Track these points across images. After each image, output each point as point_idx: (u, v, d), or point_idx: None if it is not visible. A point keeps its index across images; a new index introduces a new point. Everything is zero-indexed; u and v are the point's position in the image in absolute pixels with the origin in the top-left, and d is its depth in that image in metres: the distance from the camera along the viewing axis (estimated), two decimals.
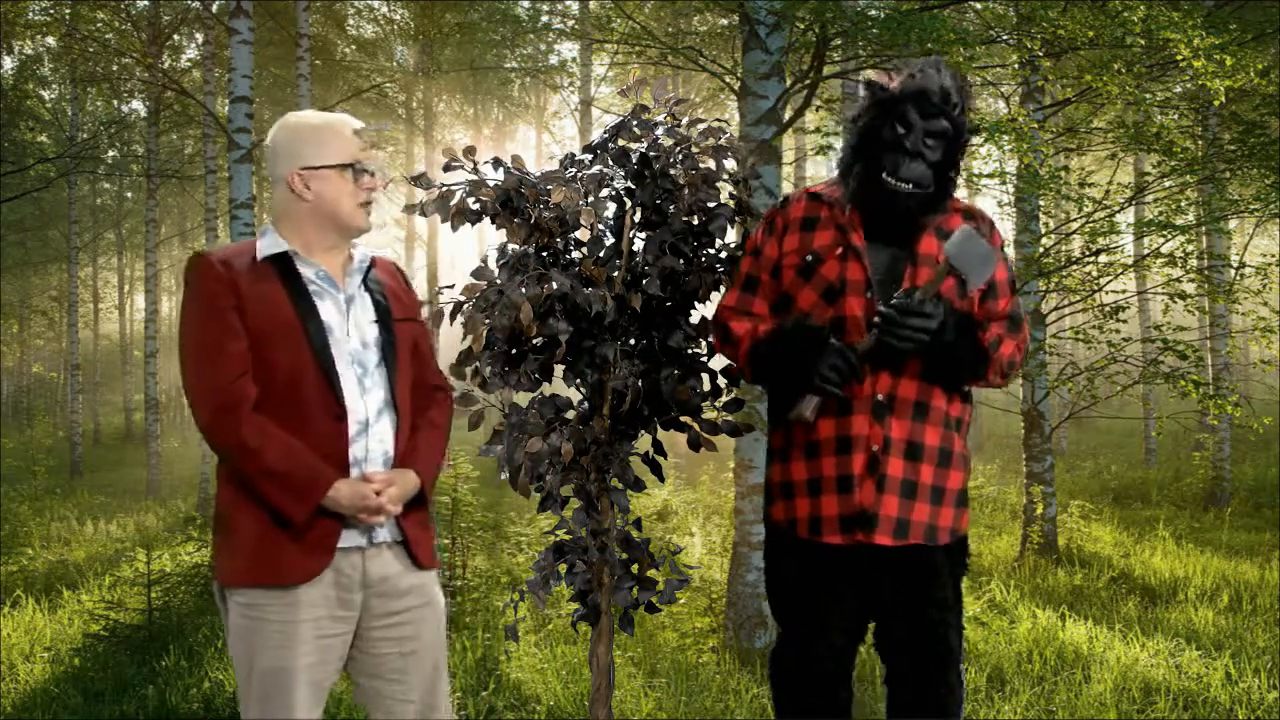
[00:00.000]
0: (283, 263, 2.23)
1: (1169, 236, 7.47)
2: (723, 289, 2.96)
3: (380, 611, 2.23)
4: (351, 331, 2.24)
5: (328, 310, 2.23)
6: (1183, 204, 8.16)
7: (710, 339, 2.97)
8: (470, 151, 2.89)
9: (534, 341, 2.82)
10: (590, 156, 3.02)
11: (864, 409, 2.37)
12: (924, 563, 2.41)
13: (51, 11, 12.60)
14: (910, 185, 2.40)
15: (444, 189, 2.86)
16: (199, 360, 2.14)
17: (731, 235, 3.07)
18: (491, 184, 2.88)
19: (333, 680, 2.22)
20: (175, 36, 15.43)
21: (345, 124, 2.31)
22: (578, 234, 2.89)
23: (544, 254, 2.91)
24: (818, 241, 2.49)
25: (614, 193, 2.96)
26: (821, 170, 20.27)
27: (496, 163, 2.93)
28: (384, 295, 2.33)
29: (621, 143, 2.98)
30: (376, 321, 2.28)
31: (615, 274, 2.90)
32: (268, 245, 2.24)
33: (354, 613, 2.21)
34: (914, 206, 2.42)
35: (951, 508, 2.43)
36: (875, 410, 2.37)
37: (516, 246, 2.87)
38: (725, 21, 11.52)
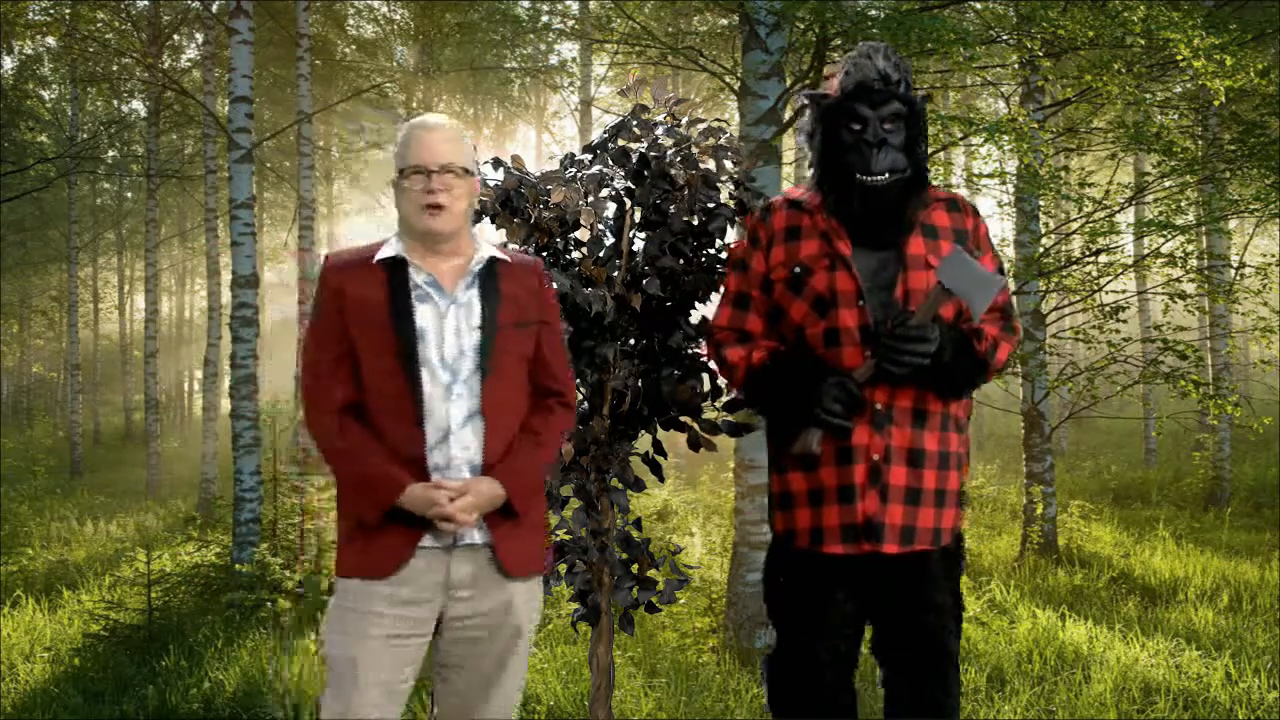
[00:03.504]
0: (396, 267, 2.26)
1: (1169, 236, 7.48)
2: (717, 298, 2.94)
3: (455, 614, 2.23)
4: (448, 337, 2.22)
5: (425, 315, 2.22)
6: (1183, 204, 8.16)
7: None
8: None
9: None
10: (590, 156, 3.02)
11: (864, 419, 2.35)
12: (924, 568, 2.40)
13: (51, 11, 12.60)
14: (886, 175, 2.37)
15: None
16: (304, 361, 2.28)
17: (731, 235, 3.07)
18: (491, 184, 2.88)
19: (406, 685, 2.23)
20: (175, 36, 15.43)
21: (411, 128, 2.30)
22: (578, 234, 2.89)
23: (544, 254, 2.91)
24: (804, 252, 2.44)
25: (614, 193, 2.96)
26: None
27: (496, 163, 2.93)
28: (497, 301, 2.27)
29: (621, 143, 2.98)
30: (480, 328, 2.24)
31: (615, 274, 2.91)
32: (386, 249, 2.28)
33: (432, 616, 2.22)
34: (898, 195, 2.39)
35: (953, 508, 2.43)
36: (875, 420, 2.35)
37: (516, 246, 2.87)
38: (725, 21, 11.53)
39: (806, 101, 2.52)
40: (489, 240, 2.41)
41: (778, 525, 2.51)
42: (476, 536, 2.21)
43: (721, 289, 2.87)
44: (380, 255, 2.27)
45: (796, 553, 2.45)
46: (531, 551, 2.29)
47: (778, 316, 2.51)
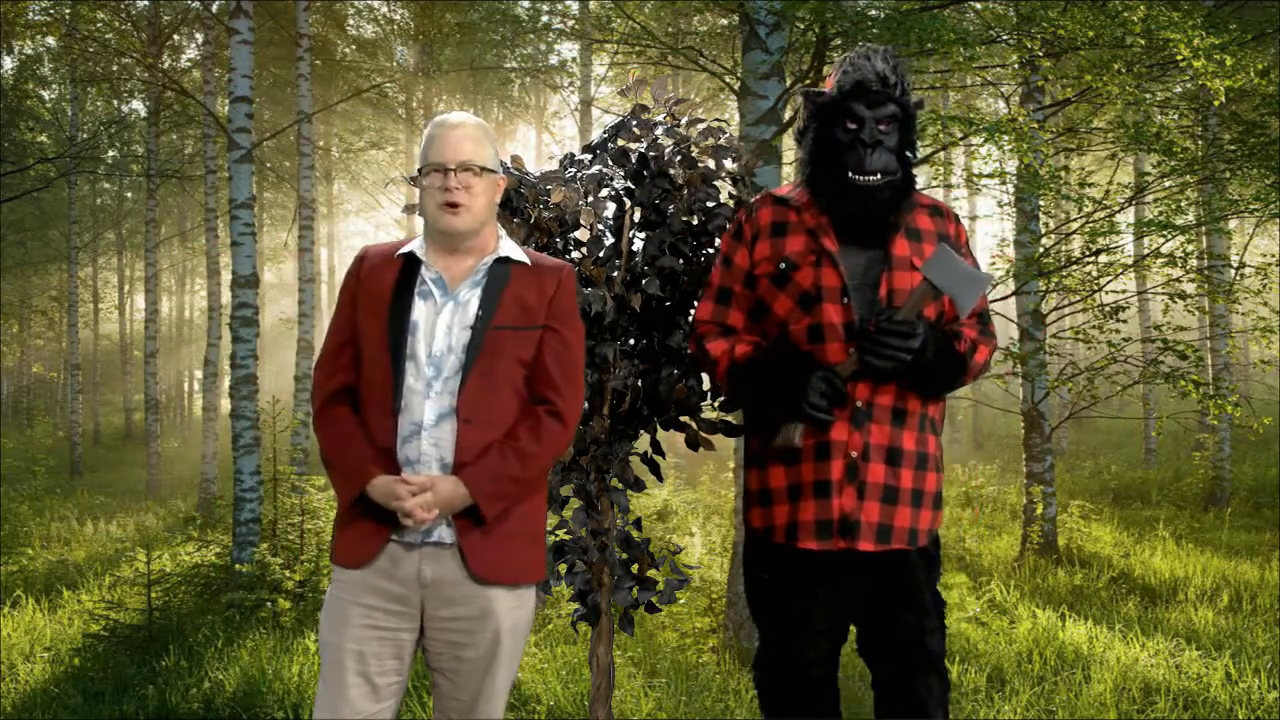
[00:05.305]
0: (410, 263, 2.29)
1: (1169, 236, 7.47)
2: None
3: (434, 614, 2.22)
4: (439, 335, 2.22)
5: (421, 311, 2.24)
6: (1183, 204, 8.16)
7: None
8: None
9: None
10: (590, 156, 3.02)
11: (843, 416, 2.36)
12: (901, 567, 2.40)
13: (51, 11, 12.60)
14: (879, 176, 2.38)
15: None
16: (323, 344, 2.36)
17: None
18: None
19: (390, 679, 2.22)
20: (175, 36, 15.43)
21: (434, 126, 2.29)
22: (577, 234, 2.89)
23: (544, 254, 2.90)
24: (789, 248, 2.45)
25: (613, 193, 2.96)
26: None
27: None
28: (496, 302, 2.23)
29: (621, 143, 2.98)
30: (471, 327, 2.22)
31: (615, 274, 2.91)
32: (410, 245, 2.32)
33: (413, 610, 2.21)
34: (889, 197, 2.40)
35: (930, 510, 2.43)
36: (855, 417, 2.36)
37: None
38: (725, 21, 11.52)
39: (801, 96, 2.53)
40: (514, 242, 2.38)
41: (755, 521, 2.52)
42: (445, 536, 2.19)
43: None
44: (402, 250, 2.30)
45: (774, 549, 2.46)
46: (506, 558, 2.22)
47: (761, 312, 2.51)
